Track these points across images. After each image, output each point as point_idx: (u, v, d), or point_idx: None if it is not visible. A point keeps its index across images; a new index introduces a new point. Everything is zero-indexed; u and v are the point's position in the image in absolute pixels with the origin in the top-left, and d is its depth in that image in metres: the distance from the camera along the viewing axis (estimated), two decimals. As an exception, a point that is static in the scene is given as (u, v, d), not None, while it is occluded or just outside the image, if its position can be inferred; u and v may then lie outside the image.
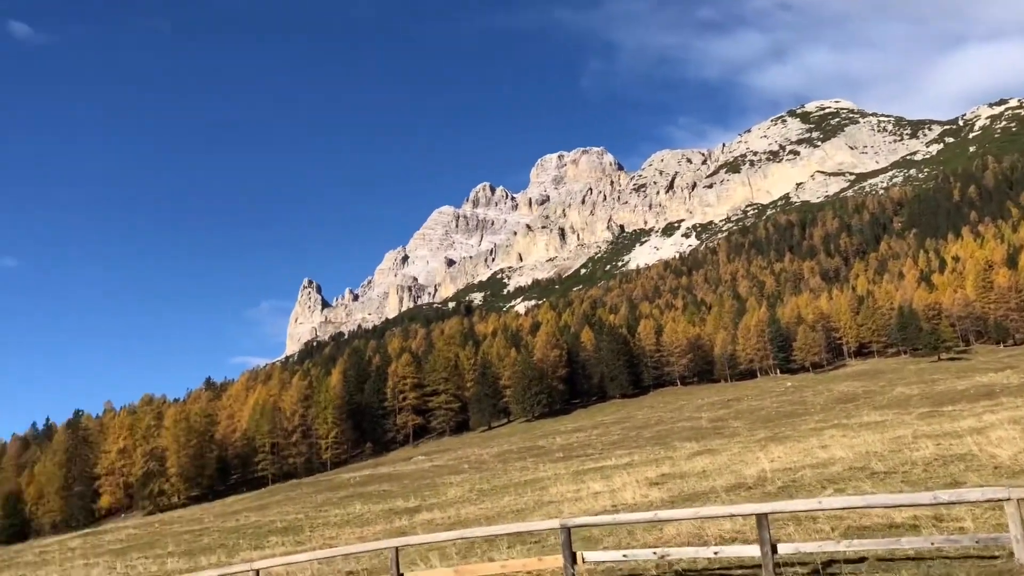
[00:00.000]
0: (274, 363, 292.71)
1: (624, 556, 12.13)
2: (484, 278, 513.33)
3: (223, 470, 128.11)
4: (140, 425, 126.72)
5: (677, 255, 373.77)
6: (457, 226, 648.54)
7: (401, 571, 13.28)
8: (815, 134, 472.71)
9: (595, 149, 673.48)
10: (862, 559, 11.90)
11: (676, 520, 13.31)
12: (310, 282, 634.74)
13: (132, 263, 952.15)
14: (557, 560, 12.42)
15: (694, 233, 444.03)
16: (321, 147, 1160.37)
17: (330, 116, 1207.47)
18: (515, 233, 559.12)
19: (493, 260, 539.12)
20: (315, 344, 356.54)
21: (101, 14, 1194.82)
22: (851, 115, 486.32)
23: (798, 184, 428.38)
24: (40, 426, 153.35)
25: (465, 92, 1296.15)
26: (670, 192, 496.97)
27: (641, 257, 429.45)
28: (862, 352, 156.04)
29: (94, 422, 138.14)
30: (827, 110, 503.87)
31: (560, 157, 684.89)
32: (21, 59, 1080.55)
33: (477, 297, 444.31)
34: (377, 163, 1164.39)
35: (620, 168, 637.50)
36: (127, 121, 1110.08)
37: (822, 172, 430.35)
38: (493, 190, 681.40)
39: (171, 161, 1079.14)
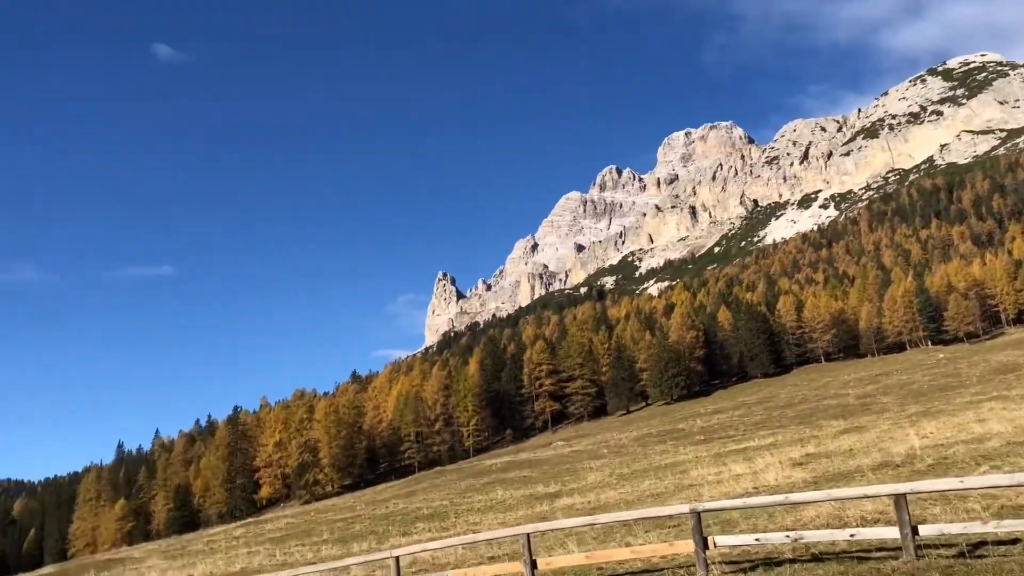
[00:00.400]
0: (414, 355, 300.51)
1: (757, 540, 11.98)
2: (614, 262, 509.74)
3: (372, 459, 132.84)
4: (293, 419, 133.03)
5: (815, 227, 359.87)
6: (585, 211, 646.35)
7: (534, 556, 13.56)
8: (959, 91, 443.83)
9: (723, 124, 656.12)
10: (1015, 540, 11.34)
11: (809, 503, 13.03)
12: (444, 275, 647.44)
13: (279, 266, 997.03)
14: (688, 545, 12.38)
15: (832, 204, 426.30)
16: (448, 142, 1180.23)
17: (456, 111, 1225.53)
18: (644, 215, 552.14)
19: (623, 243, 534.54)
20: (452, 335, 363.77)
21: (234, 30, 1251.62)
22: (999, 68, 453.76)
23: (942, 146, 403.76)
24: (203, 423, 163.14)
25: (586, 76, 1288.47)
26: (805, 163, 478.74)
27: (777, 231, 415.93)
28: (1022, 319, 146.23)
29: (251, 417, 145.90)
30: (972, 65, 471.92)
31: (687, 134, 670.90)
32: (164, 78, 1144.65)
33: (608, 281, 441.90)
34: (503, 154, 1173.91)
35: (750, 141, 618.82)
36: (263, 129, 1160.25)
37: (969, 131, 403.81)
38: (620, 172, 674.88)
39: (310, 167, 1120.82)
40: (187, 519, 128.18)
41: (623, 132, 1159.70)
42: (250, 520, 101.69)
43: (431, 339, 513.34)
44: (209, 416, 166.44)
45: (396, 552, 14.57)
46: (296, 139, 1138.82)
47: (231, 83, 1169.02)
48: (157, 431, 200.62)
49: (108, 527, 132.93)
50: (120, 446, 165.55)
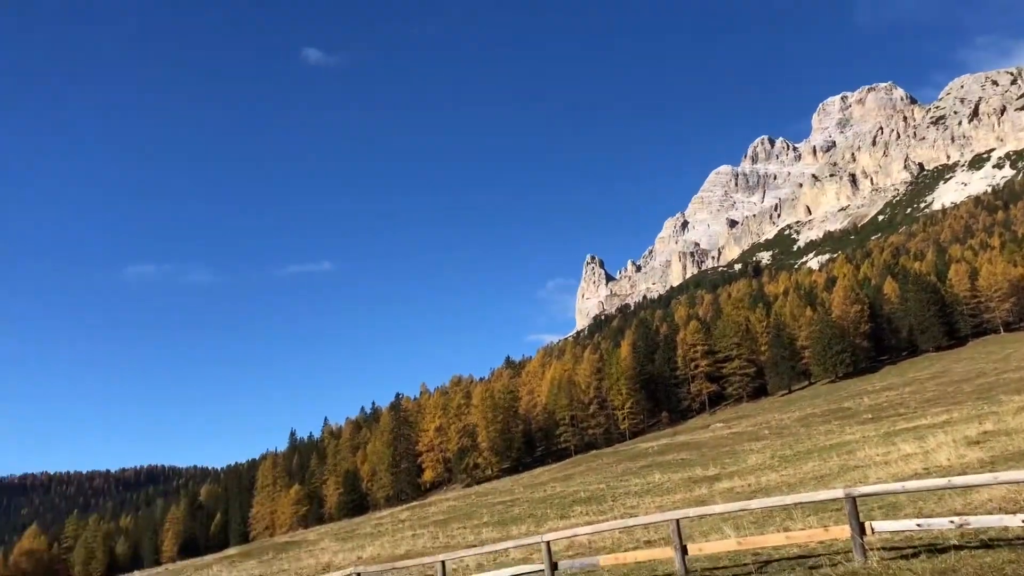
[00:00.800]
0: (566, 339, 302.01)
1: (919, 525, 11.35)
2: (770, 236, 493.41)
3: (529, 443, 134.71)
4: (451, 404, 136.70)
5: (989, 189, 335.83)
6: (736, 185, 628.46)
7: (685, 542, 13.41)
8: None
9: (882, 85, 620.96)
10: None
11: (973, 486, 12.23)
12: (593, 257, 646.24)
13: (433, 258, 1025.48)
14: (844, 531, 11.92)
15: (1008, 163, 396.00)
16: (592, 124, 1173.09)
17: (602, 93, 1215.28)
18: (800, 185, 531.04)
19: (778, 216, 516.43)
20: (602, 318, 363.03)
21: (382, 35, 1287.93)
22: None
23: None
24: (368, 410, 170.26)
25: (733, 46, 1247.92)
26: (974, 121, 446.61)
27: (946, 196, 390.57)
28: None
29: (412, 404, 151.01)
30: None
31: (843, 98, 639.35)
32: (316, 81, 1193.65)
33: (764, 256, 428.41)
34: (650, 132, 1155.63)
35: (913, 102, 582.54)
36: (408, 126, 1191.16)
37: None
38: (772, 143, 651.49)
39: (458, 159, 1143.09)
40: (356, 503, 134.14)
41: (774, 101, 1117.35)
42: (415, 503, 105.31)
43: (582, 323, 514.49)
44: (373, 404, 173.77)
45: (547, 537, 14.78)
46: (441, 134, 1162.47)
47: (376, 86, 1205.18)
48: (326, 419, 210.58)
49: (284, 511, 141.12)
50: (292, 434, 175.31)
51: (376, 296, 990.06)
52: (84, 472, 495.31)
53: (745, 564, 13.90)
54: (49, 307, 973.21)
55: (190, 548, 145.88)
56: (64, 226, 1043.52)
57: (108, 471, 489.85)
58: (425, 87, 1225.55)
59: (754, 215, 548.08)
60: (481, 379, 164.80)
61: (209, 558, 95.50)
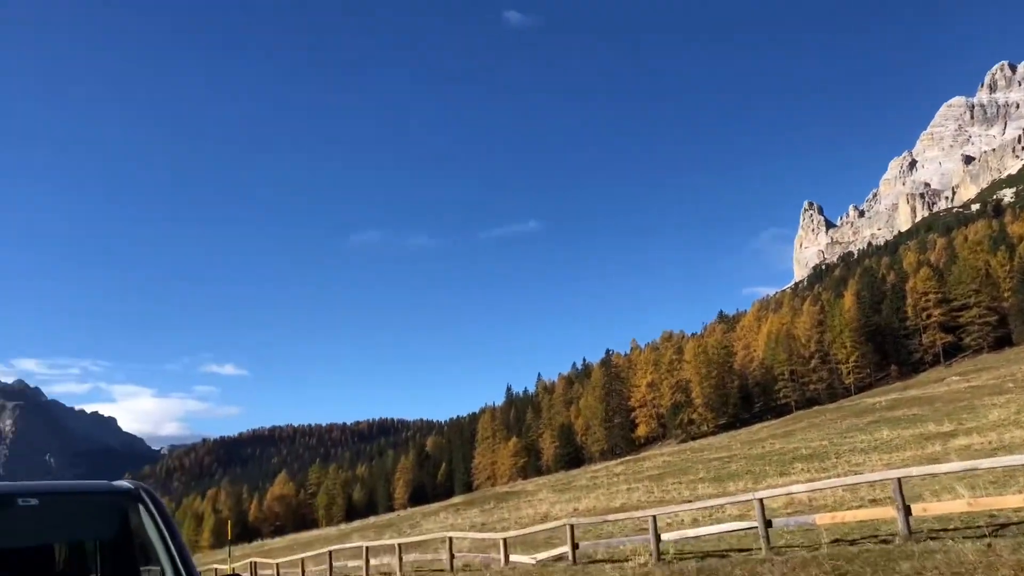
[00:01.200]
0: (782, 291, 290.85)
1: None
2: (1012, 171, 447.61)
3: (745, 399, 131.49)
4: (663, 360, 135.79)
5: None
6: (972, 117, 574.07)
7: (907, 503, 12.48)
8: None
9: None
10: None
11: None
12: (811, 204, 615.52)
13: (639, 211, 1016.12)
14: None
15: None
16: (804, 56, 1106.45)
17: (809, 19, 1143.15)
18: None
19: (1022, 149, 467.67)
20: (822, 267, 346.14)
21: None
22: None
23: None
24: (579, 366, 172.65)
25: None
26: None
27: None
28: None
29: (623, 359, 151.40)
30: None
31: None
32: (517, 42, 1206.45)
33: (1006, 194, 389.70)
34: (868, 64, 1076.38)
35: None
36: (611, 79, 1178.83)
37: None
38: (1014, 68, 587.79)
39: (659, 112, 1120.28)
40: (572, 456, 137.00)
41: (1015, 21, 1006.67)
42: (629, 458, 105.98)
43: (800, 273, 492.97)
44: (584, 360, 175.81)
45: (760, 494, 14.32)
46: (645, 79, 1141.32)
47: (572, 37, 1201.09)
48: (539, 375, 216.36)
49: (504, 462, 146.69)
50: (508, 389, 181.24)
51: (584, 253, 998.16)
52: (324, 425, 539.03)
53: (978, 526, 12.80)
54: (283, 271, 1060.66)
55: (418, 496, 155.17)
56: (297, 199, 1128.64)
57: (344, 424, 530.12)
58: (629, 32, 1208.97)
59: (993, 149, 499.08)
60: (693, 334, 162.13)
61: (436, 506, 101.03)
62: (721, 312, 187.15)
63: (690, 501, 28.43)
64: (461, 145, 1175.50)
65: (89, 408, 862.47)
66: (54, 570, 4.61)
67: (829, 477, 32.55)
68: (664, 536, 15.58)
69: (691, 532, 16.12)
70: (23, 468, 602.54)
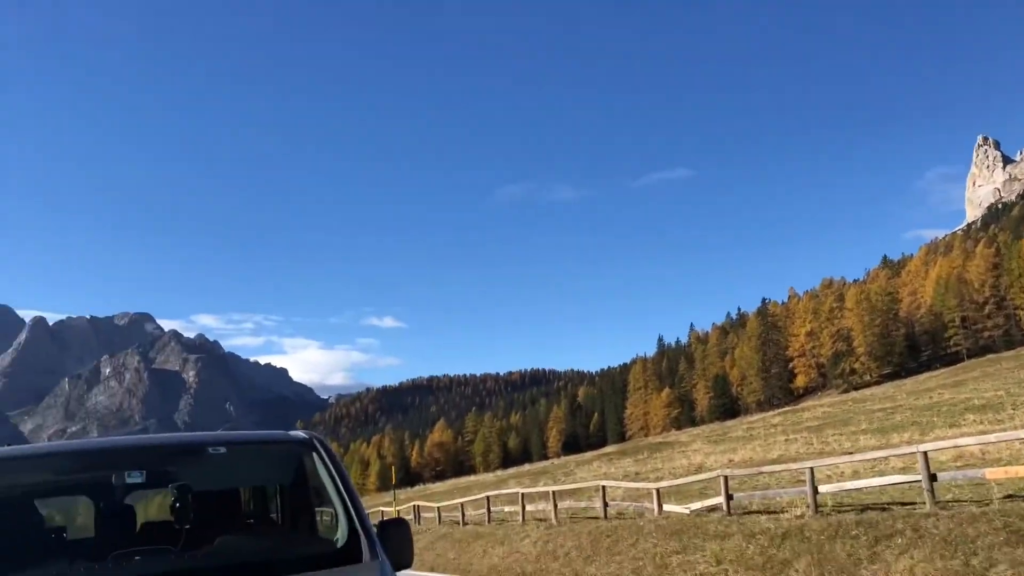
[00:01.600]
0: (952, 233, 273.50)
1: None
2: None
3: (912, 347, 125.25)
4: (822, 308, 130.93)
5: None
6: None
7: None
8: None
9: None
10: None
11: None
12: (985, 139, 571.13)
13: (795, 156, 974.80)
14: None
15: None
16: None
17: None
18: None
19: None
20: (999, 206, 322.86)
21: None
22: None
23: None
24: (733, 316, 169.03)
25: None
26: None
27: None
28: None
29: (780, 308, 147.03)
30: None
31: None
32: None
33: None
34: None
35: None
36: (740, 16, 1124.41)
37: None
38: None
39: (801, 37, 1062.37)
40: (727, 407, 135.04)
41: None
42: (787, 408, 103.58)
43: (972, 214, 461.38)
44: (738, 309, 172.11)
45: (923, 447, 13.72)
46: (795, 21, 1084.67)
47: None
48: (692, 325, 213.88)
49: (656, 413, 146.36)
50: (660, 339, 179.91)
51: (735, 200, 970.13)
52: (478, 375, 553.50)
53: None
54: (434, 227, 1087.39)
55: (571, 445, 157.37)
56: (447, 154, 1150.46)
57: (497, 374, 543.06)
58: None
59: None
60: (855, 281, 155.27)
61: (589, 455, 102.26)
62: (885, 257, 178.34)
63: (851, 453, 27.51)
64: (606, 93, 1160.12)
65: (263, 360, 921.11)
66: (241, 511, 5.13)
67: (1004, 430, 30.74)
68: (822, 488, 15.25)
69: (850, 484, 15.67)
70: (206, 416, 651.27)
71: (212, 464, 4.56)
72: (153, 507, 5.47)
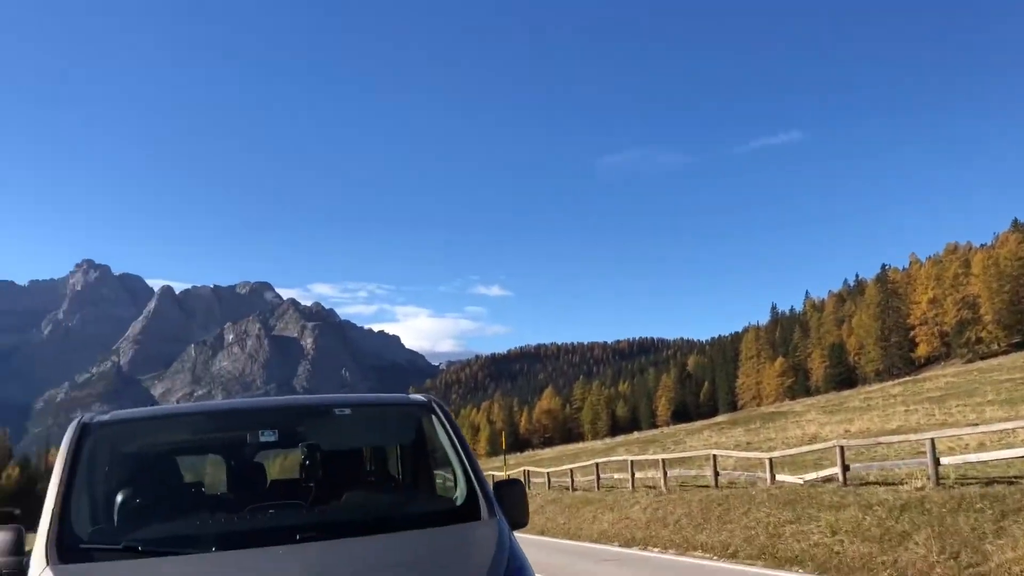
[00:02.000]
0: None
1: None
2: None
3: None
4: (946, 275, 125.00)
5: None
6: None
7: None
8: None
9: None
10: None
11: None
12: None
13: (909, 113, 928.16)
14: None
15: None
16: None
17: None
18: None
19: None
20: None
21: None
22: None
23: None
24: (850, 282, 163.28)
25: None
26: None
27: None
28: None
29: (900, 275, 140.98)
30: None
31: None
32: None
33: None
34: None
35: None
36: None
37: None
38: None
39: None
40: (843, 376, 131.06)
41: None
42: (907, 378, 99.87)
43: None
44: (856, 275, 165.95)
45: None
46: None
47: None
48: (807, 292, 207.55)
49: (769, 382, 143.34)
50: (773, 307, 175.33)
51: (851, 164, 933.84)
52: (585, 343, 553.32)
53: None
54: (540, 196, 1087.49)
55: (680, 414, 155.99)
56: (555, 122, 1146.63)
57: (605, 342, 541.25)
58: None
59: None
60: (982, 246, 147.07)
61: (699, 424, 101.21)
62: (1016, 220, 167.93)
63: (975, 424, 26.42)
64: (711, 63, 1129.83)
65: (376, 327, 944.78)
66: (364, 468, 5.42)
67: None
68: (944, 460, 14.76)
69: (974, 457, 15.12)
70: (323, 382, 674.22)
71: (338, 425, 4.86)
72: (277, 465, 5.89)
